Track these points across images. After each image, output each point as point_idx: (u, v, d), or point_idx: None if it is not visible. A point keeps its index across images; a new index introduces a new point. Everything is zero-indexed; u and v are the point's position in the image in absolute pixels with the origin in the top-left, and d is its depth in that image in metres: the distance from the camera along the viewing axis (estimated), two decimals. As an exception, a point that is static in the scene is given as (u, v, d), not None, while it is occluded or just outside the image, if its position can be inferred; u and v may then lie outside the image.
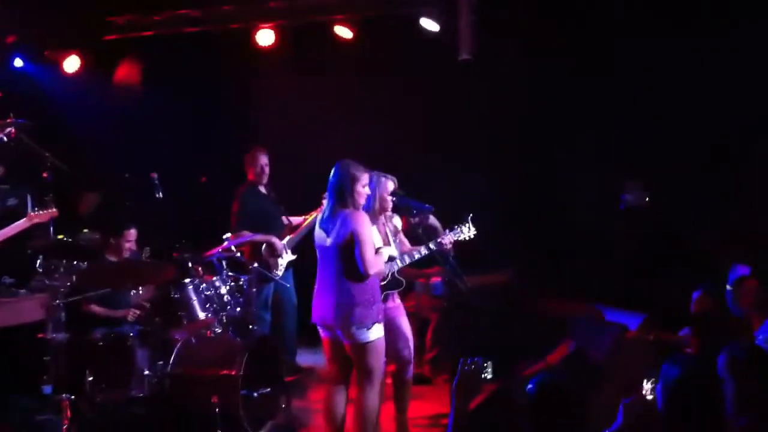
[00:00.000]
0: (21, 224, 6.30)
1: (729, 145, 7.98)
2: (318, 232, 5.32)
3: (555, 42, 8.37)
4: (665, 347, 6.31)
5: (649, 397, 3.83)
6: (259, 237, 7.22)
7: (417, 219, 5.90)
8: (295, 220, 7.50)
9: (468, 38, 8.04)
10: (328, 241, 5.21)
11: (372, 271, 5.14)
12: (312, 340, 6.38)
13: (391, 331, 5.53)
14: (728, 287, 6.11)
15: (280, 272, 7.36)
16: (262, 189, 7.57)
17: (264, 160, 7.53)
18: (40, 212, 6.36)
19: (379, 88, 8.74)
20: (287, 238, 7.43)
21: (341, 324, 5.14)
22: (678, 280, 7.23)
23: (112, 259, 6.69)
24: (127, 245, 6.70)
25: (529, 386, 3.46)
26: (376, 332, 5.18)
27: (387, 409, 5.86)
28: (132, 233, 6.71)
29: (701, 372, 3.43)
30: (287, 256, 7.40)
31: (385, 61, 8.92)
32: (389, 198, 5.65)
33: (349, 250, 5.12)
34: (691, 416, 3.37)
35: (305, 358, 7.87)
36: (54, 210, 6.43)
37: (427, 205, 5.98)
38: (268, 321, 7.50)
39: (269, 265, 7.27)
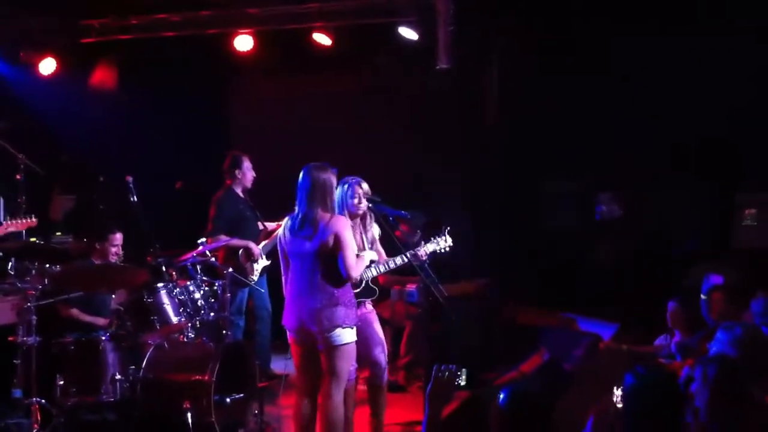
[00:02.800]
0: None
1: (709, 155, 8.07)
2: (290, 238, 5.28)
3: (533, 51, 8.43)
4: (638, 357, 6.36)
5: (619, 405, 3.86)
6: (236, 242, 7.21)
7: (416, 228, 5.90)
8: (270, 225, 7.48)
9: (446, 47, 8.08)
10: (308, 245, 5.18)
11: (354, 274, 5.15)
12: (287, 346, 6.37)
13: (366, 336, 5.52)
14: (702, 297, 6.17)
15: (255, 277, 7.36)
16: (240, 193, 7.56)
17: (246, 164, 7.53)
18: (17, 221, 6.24)
19: (358, 95, 8.76)
20: (263, 243, 7.42)
21: (322, 327, 5.12)
22: (652, 290, 7.30)
23: (98, 262, 6.62)
24: (114, 249, 6.63)
25: (501, 396, 3.47)
26: (352, 335, 5.19)
27: (362, 415, 5.85)
28: (117, 237, 6.66)
29: (660, 383, 3.48)
30: (263, 262, 7.39)
31: (363, 67, 8.94)
32: (362, 203, 5.64)
33: (331, 253, 5.11)
34: (653, 425, 3.42)
35: (280, 364, 7.83)
36: (33, 220, 6.32)
37: (402, 212, 5.99)
38: (242, 327, 7.48)
39: (245, 270, 7.26)
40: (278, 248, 5.42)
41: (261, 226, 7.53)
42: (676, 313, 6.34)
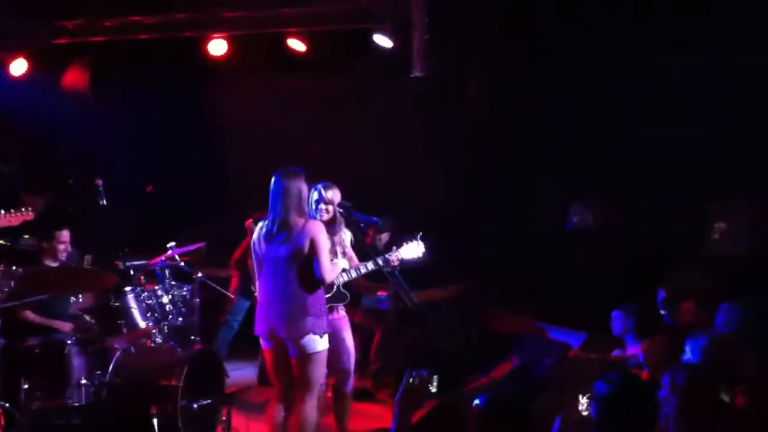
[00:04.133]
0: None
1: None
2: (264, 244, 5.25)
3: (510, 58, 8.45)
4: (607, 366, 6.36)
5: (584, 413, 3.87)
6: None
7: (384, 234, 5.89)
8: None
9: (421, 55, 8.08)
10: (282, 251, 5.15)
11: (329, 277, 5.16)
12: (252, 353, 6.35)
13: (335, 342, 5.50)
14: (662, 312, 6.17)
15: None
16: None
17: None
18: (11, 214, 5.89)
19: (333, 100, 8.75)
20: None
21: (292, 334, 5.10)
22: (622, 299, 7.32)
23: (51, 263, 6.52)
24: (62, 247, 6.51)
25: (477, 401, 3.46)
26: (324, 343, 5.18)
27: (327, 423, 5.83)
28: (64, 234, 6.52)
29: (631, 390, 3.48)
30: None
31: (339, 72, 8.93)
32: (333, 208, 5.63)
33: (306, 259, 5.10)
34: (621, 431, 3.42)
35: (249, 371, 7.80)
36: (30, 213, 5.93)
37: (373, 218, 5.98)
38: (235, 329, 7.48)
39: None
40: (252, 255, 5.39)
41: None
42: (625, 323, 6.29)
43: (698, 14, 7.50)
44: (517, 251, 8.63)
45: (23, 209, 5.91)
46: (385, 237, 7.40)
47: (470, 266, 8.43)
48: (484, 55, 8.63)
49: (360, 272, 5.76)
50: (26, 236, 7.53)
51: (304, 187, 5.24)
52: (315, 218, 5.52)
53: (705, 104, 7.60)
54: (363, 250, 5.91)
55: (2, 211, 5.86)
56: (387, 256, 5.81)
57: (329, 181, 5.75)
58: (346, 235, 5.85)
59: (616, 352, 6.41)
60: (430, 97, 8.61)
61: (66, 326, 6.27)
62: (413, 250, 5.89)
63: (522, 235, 8.81)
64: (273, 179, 5.25)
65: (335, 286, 5.65)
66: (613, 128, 8.10)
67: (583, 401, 3.94)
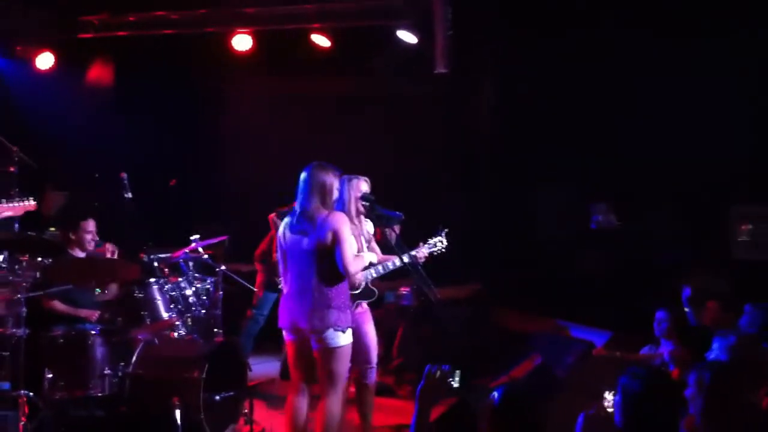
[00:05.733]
0: None
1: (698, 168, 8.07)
2: (289, 236, 5.25)
3: (530, 57, 8.42)
4: (631, 365, 6.32)
5: (609, 410, 3.84)
6: None
7: (394, 230, 5.86)
8: None
9: (444, 51, 8.07)
10: (305, 243, 5.15)
11: (352, 270, 5.11)
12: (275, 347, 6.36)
13: (357, 336, 5.47)
14: (686, 309, 6.15)
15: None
16: None
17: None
18: (14, 204, 5.76)
19: (355, 96, 8.75)
20: None
21: (314, 327, 5.09)
22: (644, 299, 7.28)
23: (78, 254, 6.56)
24: (89, 237, 6.54)
25: (494, 394, 3.44)
26: (347, 338, 5.15)
27: (350, 416, 5.82)
28: (90, 224, 6.55)
29: (658, 386, 3.45)
30: None
31: (361, 69, 8.94)
32: (361, 201, 5.63)
33: (329, 251, 5.08)
34: (648, 429, 3.39)
35: (271, 365, 7.83)
36: (32, 203, 5.78)
37: (396, 213, 5.96)
38: (261, 323, 7.50)
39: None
40: (277, 248, 5.39)
41: None
42: (666, 323, 6.32)
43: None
44: (531, 252, 8.62)
45: (25, 200, 5.77)
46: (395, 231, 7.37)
47: (487, 266, 8.41)
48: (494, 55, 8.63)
49: (388, 268, 5.74)
50: (52, 229, 7.58)
51: (332, 180, 5.19)
52: (344, 211, 5.49)
53: (723, 106, 7.58)
54: (387, 245, 5.90)
55: (4, 201, 5.75)
56: (414, 252, 5.80)
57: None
58: (369, 227, 5.84)
59: (644, 350, 6.39)
60: (450, 94, 8.61)
61: (92, 314, 6.31)
62: (438, 244, 5.89)
63: (534, 236, 8.80)
64: (304, 171, 5.24)
65: (363, 283, 5.64)
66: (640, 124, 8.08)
67: (609, 398, 3.91)
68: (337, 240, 5.06)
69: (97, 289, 6.41)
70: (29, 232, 7.10)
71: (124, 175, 6.85)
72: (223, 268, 6.73)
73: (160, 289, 6.36)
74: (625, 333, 7.26)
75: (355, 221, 5.63)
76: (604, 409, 3.97)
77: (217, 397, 5.98)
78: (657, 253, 8.40)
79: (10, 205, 5.75)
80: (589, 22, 7.99)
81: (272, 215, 7.07)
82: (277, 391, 7.01)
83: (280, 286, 5.78)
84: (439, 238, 5.91)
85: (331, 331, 5.07)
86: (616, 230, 8.82)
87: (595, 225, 8.88)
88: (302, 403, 5.32)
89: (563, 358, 6.96)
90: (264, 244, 7.65)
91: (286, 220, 5.32)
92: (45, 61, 8.99)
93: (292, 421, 5.32)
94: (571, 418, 4.00)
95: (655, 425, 3.38)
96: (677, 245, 8.28)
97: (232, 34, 8.66)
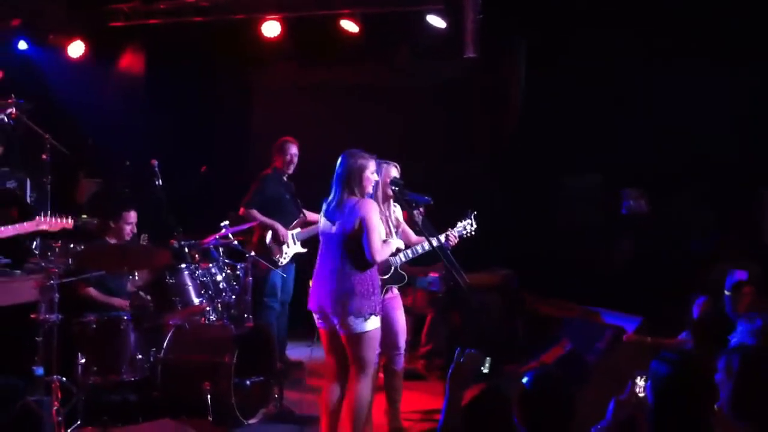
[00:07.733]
0: (26, 226, 5.99)
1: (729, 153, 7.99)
2: (323, 222, 5.27)
3: (560, 45, 8.36)
4: (662, 350, 6.27)
5: (641, 395, 3.81)
6: (263, 219, 7.25)
7: (421, 211, 5.84)
8: (311, 215, 7.42)
9: (473, 36, 8.02)
10: (334, 229, 5.16)
11: (379, 258, 5.10)
12: (306, 333, 6.37)
13: (386, 322, 5.47)
14: (726, 293, 6.10)
15: (283, 260, 7.35)
16: (285, 178, 7.57)
17: (294, 150, 7.57)
18: (52, 220, 5.98)
19: (384, 82, 8.72)
20: (296, 230, 7.42)
21: (338, 312, 5.09)
22: (676, 284, 7.22)
23: (113, 241, 6.62)
24: (128, 228, 6.56)
25: (525, 378, 3.43)
26: (372, 323, 5.12)
27: (379, 402, 5.83)
28: (132, 215, 6.59)
29: (690, 370, 3.41)
30: (294, 247, 7.39)
31: (390, 56, 8.91)
32: (390, 186, 5.62)
33: (356, 237, 5.07)
34: (680, 413, 3.35)
35: (299, 351, 7.84)
36: (69, 222, 6.03)
37: (425, 197, 5.94)
38: (276, 309, 7.48)
39: (272, 251, 7.26)
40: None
41: (301, 215, 7.52)
42: (705, 310, 6.26)
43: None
44: (559, 239, 8.58)
45: (63, 218, 6.00)
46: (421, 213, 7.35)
47: (515, 253, 8.37)
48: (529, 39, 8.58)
49: (417, 252, 5.74)
50: (84, 216, 7.65)
51: (363, 167, 5.17)
52: (374, 196, 5.45)
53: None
54: (415, 228, 5.89)
55: (44, 215, 5.95)
56: (447, 234, 5.79)
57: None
58: (398, 212, 5.83)
59: (682, 336, 6.34)
60: (478, 81, 8.57)
61: (124, 304, 6.36)
62: (468, 227, 5.87)
63: (562, 223, 8.75)
64: (339, 159, 5.23)
65: (393, 267, 5.64)
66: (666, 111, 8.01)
67: (640, 383, 3.87)
68: (365, 227, 5.05)
69: (129, 276, 6.46)
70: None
71: (155, 163, 6.88)
72: (252, 254, 6.75)
73: (191, 275, 6.40)
74: (656, 318, 7.20)
75: (382, 206, 5.61)
76: (636, 394, 3.93)
77: (248, 382, 6.03)
78: (687, 238, 8.35)
79: (49, 219, 5.92)
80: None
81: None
82: (308, 375, 7.04)
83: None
84: (469, 221, 5.89)
85: (352, 317, 5.07)
86: (647, 215, 8.77)
87: (626, 210, 8.83)
88: (335, 388, 5.32)
89: (594, 343, 6.92)
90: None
91: (324, 207, 5.34)
92: (76, 49, 9.06)
93: (324, 406, 5.33)
94: (602, 404, 3.97)
95: (686, 409, 3.34)
96: (708, 230, 8.21)
97: (261, 20, 8.67)
